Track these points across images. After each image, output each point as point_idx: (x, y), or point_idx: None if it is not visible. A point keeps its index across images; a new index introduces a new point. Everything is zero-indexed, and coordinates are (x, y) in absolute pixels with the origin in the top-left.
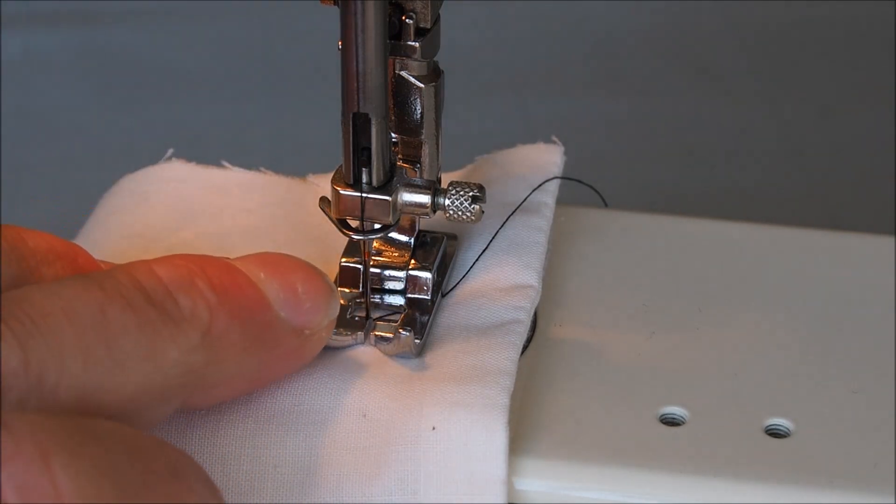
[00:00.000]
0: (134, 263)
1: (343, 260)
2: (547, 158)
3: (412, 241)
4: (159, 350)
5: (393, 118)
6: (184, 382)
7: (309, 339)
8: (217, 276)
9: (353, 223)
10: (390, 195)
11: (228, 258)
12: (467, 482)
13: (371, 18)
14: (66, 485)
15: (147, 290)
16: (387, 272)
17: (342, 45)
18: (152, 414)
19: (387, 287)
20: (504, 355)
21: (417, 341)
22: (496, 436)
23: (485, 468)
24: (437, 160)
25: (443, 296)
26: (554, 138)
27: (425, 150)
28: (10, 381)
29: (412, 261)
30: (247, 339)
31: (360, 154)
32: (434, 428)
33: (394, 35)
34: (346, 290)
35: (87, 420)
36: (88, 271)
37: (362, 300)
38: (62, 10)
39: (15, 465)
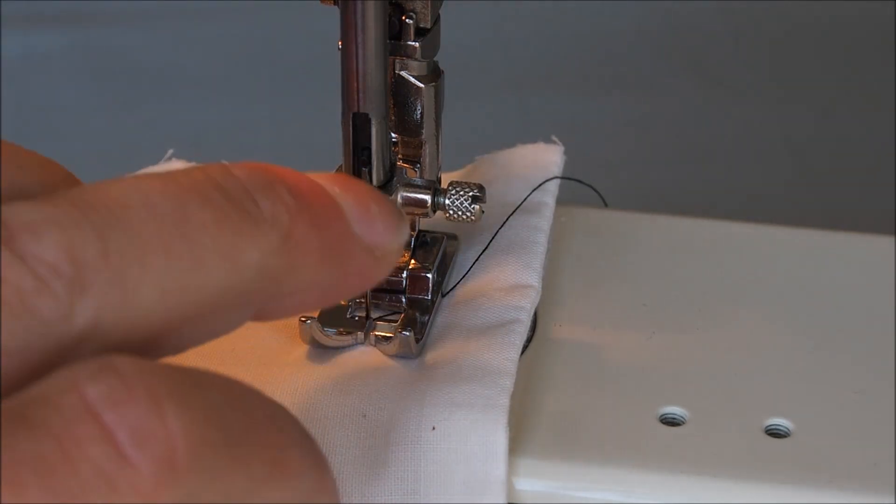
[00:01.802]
0: (209, 165)
1: None
2: (547, 158)
3: (412, 241)
4: (240, 249)
5: (393, 118)
6: (262, 287)
7: (379, 260)
8: (295, 183)
9: None
10: (390, 195)
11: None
12: (467, 482)
13: (371, 18)
14: (178, 431)
15: (227, 189)
16: None
17: (342, 45)
18: (228, 320)
19: (387, 287)
20: (504, 355)
21: (418, 341)
22: (496, 436)
23: (485, 468)
24: (437, 160)
25: (443, 296)
26: (554, 138)
27: (425, 150)
28: (90, 275)
29: (412, 261)
30: (324, 248)
31: (360, 154)
32: (434, 428)
33: (394, 35)
34: None
35: (191, 369)
36: None
37: (362, 300)
38: (62, 10)
39: (128, 409)
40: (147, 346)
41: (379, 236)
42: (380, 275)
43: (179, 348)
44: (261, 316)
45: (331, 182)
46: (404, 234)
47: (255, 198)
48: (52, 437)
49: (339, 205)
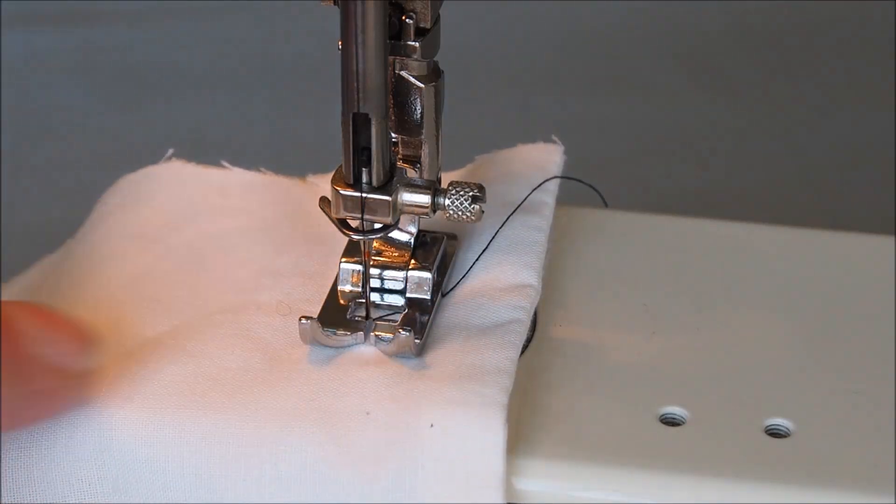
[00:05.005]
0: None
1: (343, 260)
2: (547, 158)
3: (412, 241)
4: None
5: (393, 118)
6: None
7: (69, 381)
8: None
9: (353, 223)
10: (390, 195)
11: None
12: (466, 481)
13: (371, 18)
14: None
15: None
16: (387, 272)
17: (342, 45)
18: None
19: (387, 287)
20: (503, 355)
21: (417, 341)
22: (494, 434)
23: (483, 467)
24: (437, 160)
25: (443, 296)
26: (554, 138)
27: (425, 150)
28: None
29: (412, 261)
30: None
31: (360, 154)
32: (432, 426)
33: (394, 35)
34: (347, 290)
35: None
36: None
37: (362, 300)
38: (62, 10)
39: None
40: None
41: (63, 355)
42: (72, 395)
43: None
44: None
45: (14, 306)
46: (92, 357)
47: None
48: None
49: (17, 325)
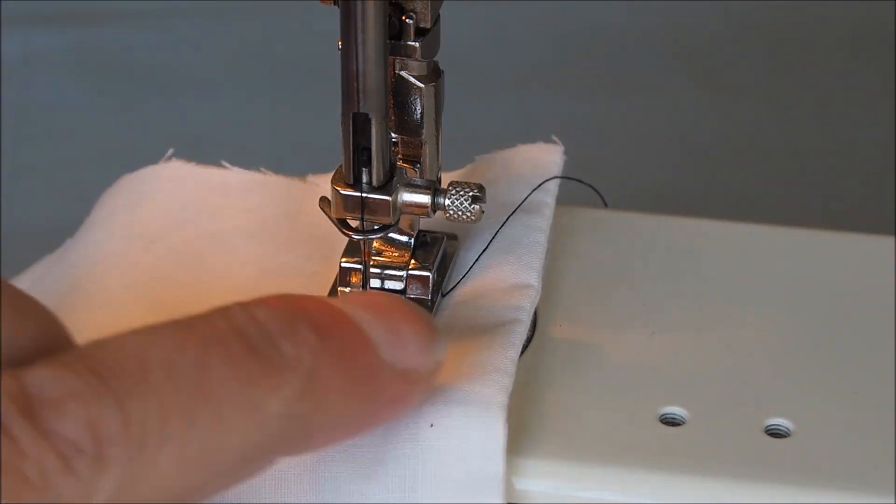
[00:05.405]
0: (231, 307)
1: (343, 260)
2: (547, 158)
3: (412, 241)
4: (263, 402)
5: (393, 118)
6: (287, 434)
7: (415, 383)
8: (319, 317)
9: (353, 223)
10: (390, 195)
11: (330, 299)
12: (465, 480)
13: (371, 18)
14: None
15: (248, 337)
16: (387, 272)
17: (342, 45)
18: (252, 471)
19: (387, 287)
20: (503, 354)
21: None
22: (494, 434)
23: (483, 467)
24: (437, 160)
25: (443, 296)
26: (554, 138)
27: (425, 150)
28: (111, 451)
29: (412, 261)
30: (351, 384)
31: (360, 154)
32: (432, 425)
33: (394, 35)
34: (347, 290)
35: None
36: None
37: None
38: (62, 10)
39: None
40: None
41: (412, 359)
42: (417, 399)
43: (202, 502)
44: (290, 454)
45: (359, 306)
46: (441, 351)
47: (277, 341)
48: None
49: (367, 334)
